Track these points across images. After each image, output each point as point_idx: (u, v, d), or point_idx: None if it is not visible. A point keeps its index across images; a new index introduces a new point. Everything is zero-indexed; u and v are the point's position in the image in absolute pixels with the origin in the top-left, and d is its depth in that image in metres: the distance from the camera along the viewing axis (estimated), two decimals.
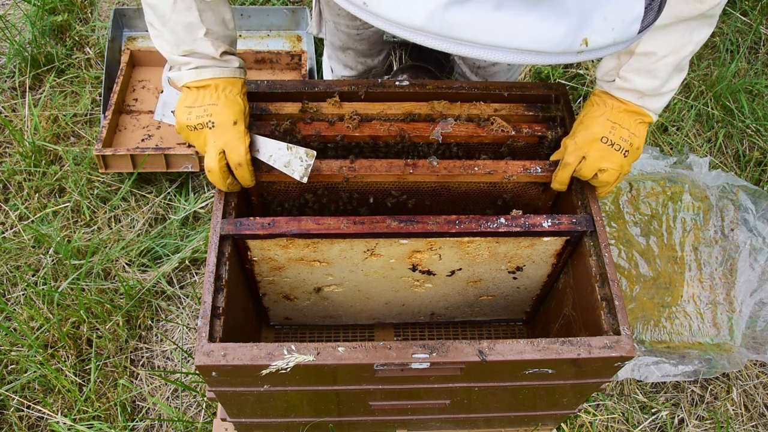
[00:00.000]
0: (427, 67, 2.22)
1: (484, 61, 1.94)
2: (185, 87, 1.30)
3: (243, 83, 1.34)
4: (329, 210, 1.56)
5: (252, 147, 1.35)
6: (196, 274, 2.11)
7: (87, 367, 1.92)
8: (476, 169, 1.42)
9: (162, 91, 1.49)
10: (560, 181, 1.42)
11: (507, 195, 1.54)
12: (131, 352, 1.97)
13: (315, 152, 1.34)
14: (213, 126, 1.28)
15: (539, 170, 1.43)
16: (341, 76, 2.15)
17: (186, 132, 1.31)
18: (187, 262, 2.11)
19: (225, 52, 1.29)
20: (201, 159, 2.21)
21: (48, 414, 1.82)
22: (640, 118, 1.33)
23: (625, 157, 1.33)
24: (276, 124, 1.45)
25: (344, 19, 1.86)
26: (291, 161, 1.35)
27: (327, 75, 2.31)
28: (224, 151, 1.30)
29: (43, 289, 2.01)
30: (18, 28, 2.69)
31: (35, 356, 1.89)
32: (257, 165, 1.38)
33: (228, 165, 1.32)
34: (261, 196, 1.52)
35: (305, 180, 1.34)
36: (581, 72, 2.67)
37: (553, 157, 1.44)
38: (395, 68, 2.36)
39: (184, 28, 1.23)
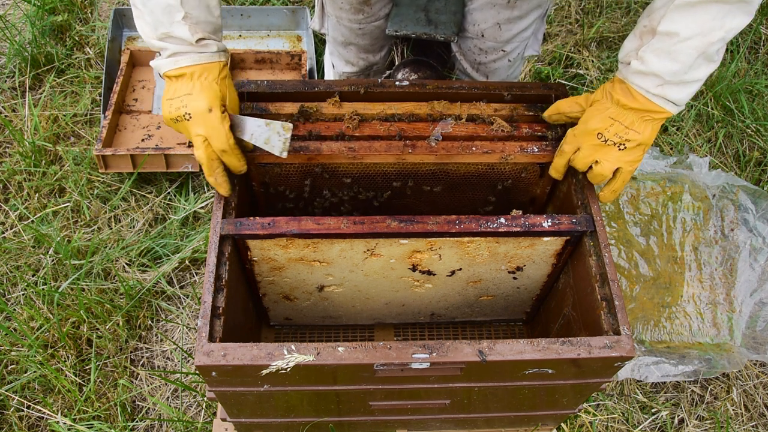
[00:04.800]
0: (429, 61, 2.22)
1: (485, 56, 1.94)
2: (165, 76, 1.30)
3: (223, 66, 1.31)
4: (331, 195, 1.57)
5: (234, 128, 1.34)
6: (196, 274, 2.11)
7: (87, 367, 1.92)
8: (474, 149, 1.43)
9: (155, 85, 1.48)
10: (555, 167, 1.44)
11: (506, 179, 1.54)
12: (131, 352, 1.97)
13: (292, 125, 1.32)
14: (190, 117, 1.27)
15: (536, 150, 1.45)
16: (342, 72, 2.15)
17: (172, 125, 1.32)
18: (187, 262, 2.11)
19: (202, 39, 1.26)
20: None
21: (48, 414, 1.82)
22: (648, 116, 1.26)
23: (620, 150, 1.30)
24: None
25: (346, 13, 1.86)
26: (270, 137, 1.33)
27: (328, 71, 2.30)
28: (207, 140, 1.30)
29: (43, 289, 2.01)
30: (18, 28, 2.69)
31: (35, 356, 1.89)
32: (258, 148, 1.39)
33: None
34: (263, 183, 1.52)
35: (285, 155, 1.33)
36: (581, 72, 2.67)
37: (546, 112, 1.47)
38: (397, 63, 2.36)
39: (162, 10, 1.22)
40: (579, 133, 1.35)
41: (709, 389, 1.98)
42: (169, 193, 2.26)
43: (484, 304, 1.72)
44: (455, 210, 1.64)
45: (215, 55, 1.29)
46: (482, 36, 1.87)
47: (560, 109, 1.43)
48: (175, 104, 1.28)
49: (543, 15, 1.89)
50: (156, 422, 1.85)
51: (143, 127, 2.36)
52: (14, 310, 2.01)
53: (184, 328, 2.01)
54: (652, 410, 1.93)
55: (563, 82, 2.64)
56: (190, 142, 2.25)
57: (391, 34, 1.90)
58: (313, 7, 2.34)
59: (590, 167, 1.37)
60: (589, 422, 1.86)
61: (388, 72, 2.23)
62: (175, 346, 1.97)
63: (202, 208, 2.22)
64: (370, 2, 1.83)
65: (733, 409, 1.95)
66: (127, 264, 2.10)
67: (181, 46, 1.26)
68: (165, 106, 1.30)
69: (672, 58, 1.19)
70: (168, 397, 1.90)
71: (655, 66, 1.21)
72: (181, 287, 2.09)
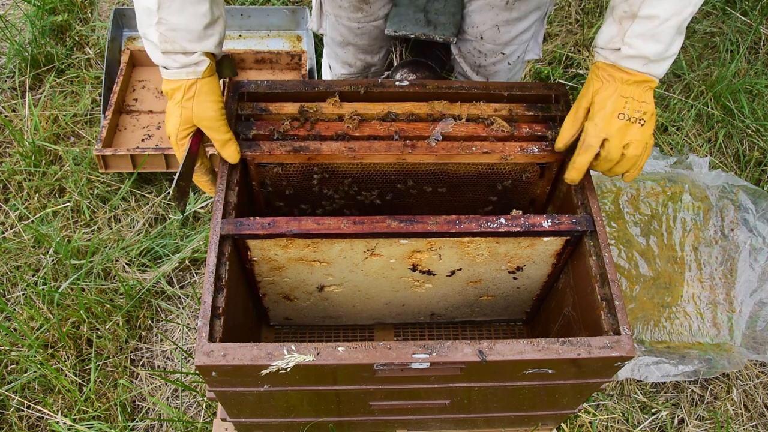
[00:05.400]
0: (427, 62, 2.22)
1: (485, 58, 1.94)
2: None
3: (190, 85, 1.30)
4: (330, 195, 1.57)
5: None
6: (196, 274, 2.11)
7: (87, 367, 1.92)
8: (474, 149, 1.43)
9: None
10: (579, 168, 1.37)
11: (506, 179, 1.54)
12: (131, 352, 1.97)
13: (171, 191, 1.39)
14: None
15: (536, 150, 1.45)
16: (340, 74, 2.14)
17: None
18: (187, 262, 2.11)
19: (169, 52, 1.26)
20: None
21: (48, 414, 1.82)
22: (647, 85, 1.33)
23: (641, 126, 1.32)
24: (275, 126, 1.45)
25: (345, 11, 1.86)
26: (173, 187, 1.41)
27: (326, 74, 2.30)
28: None
29: (43, 289, 2.01)
30: (18, 28, 2.69)
31: (35, 356, 1.89)
32: (258, 145, 1.42)
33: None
34: (262, 184, 1.52)
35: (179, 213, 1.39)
36: (581, 72, 2.67)
37: (559, 143, 1.41)
38: (395, 64, 2.36)
39: (142, 11, 1.23)
40: (601, 120, 1.32)
41: (709, 389, 1.98)
42: (169, 193, 2.26)
43: (484, 304, 1.72)
44: (455, 210, 1.65)
45: (180, 72, 1.28)
46: (481, 38, 1.87)
47: (569, 132, 1.40)
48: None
49: (542, 17, 1.88)
50: (156, 422, 1.85)
51: (143, 127, 2.36)
52: (14, 310, 2.01)
53: (184, 328, 2.01)
54: (652, 410, 1.93)
55: (563, 82, 2.64)
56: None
57: (390, 34, 1.90)
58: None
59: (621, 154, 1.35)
60: (589, 422, 1.86)
61: (386, 73, 2.23)
62: (175, 346, 1.97)
63: (202, 208, 2.22)
64: (369, 1, 1.83)
65: (733, 409, 1.95)
66: (127, 264, 2.10)
67: (155, 55, 1.28)
68: None
69: (656, 39, 1.27)
70: (168, 397, 1.90)
71: (643, 49, 1.28)
72: (181, 287, 2.09)
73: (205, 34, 1.26)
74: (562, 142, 1.41)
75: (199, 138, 1.36)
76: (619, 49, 1.30)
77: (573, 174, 1.39)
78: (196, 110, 1.31)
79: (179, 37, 1.24)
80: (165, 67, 1.29)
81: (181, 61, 1.27)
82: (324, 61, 2.31)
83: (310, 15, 2.64)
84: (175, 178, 1.35)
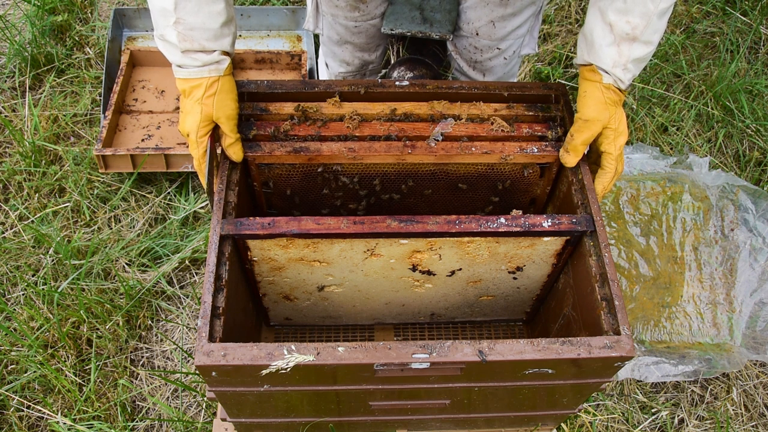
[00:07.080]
0: (425, 59, 2.22)
1: (481, 54, 1.95)
2: None
3: (211, 83, 1.31)
4: (330, 195, 1.57)
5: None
6: (196, 274, 2.11)
7: (87, 367, 1.92)
8: (473, 149, 1.44)
9: None
10: (606, 188, 1.46)
11: (506, 179, 1.55)
12: (131, 352, 1.97)
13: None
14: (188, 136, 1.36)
15: (535, 150, 1.46)
16: (338, 72, 2.15)
17: None
18: (187, 262, 2.11)
19: (189, 50, 1.26)
20: None
21: (48, 414, 1.82)
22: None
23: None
24: (275, 126, 1.45)
25: (342, 11, 1.87)
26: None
27: (322, 72, 2.30)
28: None
29: (43, 289, 2.01)
30: (18, 28, 2.70)
31: (35, 356, 1.89)
32: (259, 145, 1.43)
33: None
34: (264, 183, 1.52)
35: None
36: None
37: (571, 163, 1.44)
38: (393, 62, 2.36)
39: (158, 12, 1.24)
40: (622, 149, 1.41)
41: (709, 389, 1.98)
42: (169, 193, 2.26)
43: (484, 304, 1.72)
44: (455, 210, 1.65)
45: (202, 70, 1.29)
46: (477, 34, 1.88)
47: (582, 152, 1.43)
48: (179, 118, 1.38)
49: (538, 12, 1.89)
50: (156, 422, 1.85)
51: (143, 127, 2.36)
52: (14, 310, 2.01)
53: (184, 328, 2.01)
54: (652, 410, 1.93)
55: (563, 82, 2.64)
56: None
57: (387, 32, 1.90)
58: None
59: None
60: (589, 422, 1.86)
61: (383, 71, 2.23)
62: (175, 346, 1.97)
63: (202, 208, 2.22)
64: (366, 0, 1.83)
65: (733, 409, 1.95)
66: (127, 264, 2.10)
67: (174, 54, 1.28)
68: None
69: (645, 61, 1.35)
70: (168, 397, 1.90)
71: (634, 72, 1.35)
72: (181, 287, 2.09)
73: (222, 32, 1.28)
74: (574, 162, 1.43)
75: (213, 136, 1.37)
76: (623, 78, 1.35)
77: (602, 195, 1.46)
78: (217, 107, 1.32)
79: (197, 35, 1.26)
80: (180, 66, 1.29)
81: (202, 59, 1.28)
82: (320, 60, 2.31)
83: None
84: (206, 177, 1.36)
